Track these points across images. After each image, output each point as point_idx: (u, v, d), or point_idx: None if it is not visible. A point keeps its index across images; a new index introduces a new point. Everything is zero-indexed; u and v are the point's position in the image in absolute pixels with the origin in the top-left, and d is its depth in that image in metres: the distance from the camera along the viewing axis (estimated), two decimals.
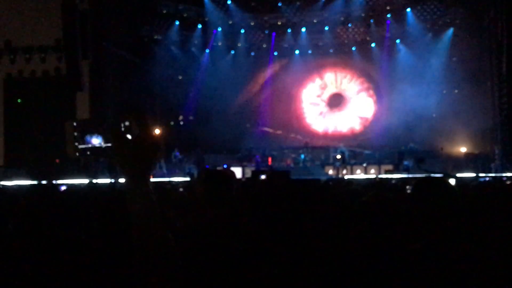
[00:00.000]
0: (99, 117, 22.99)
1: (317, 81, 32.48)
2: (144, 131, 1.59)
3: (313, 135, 31.18)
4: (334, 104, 32.38)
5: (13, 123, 25.94)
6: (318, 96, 32.49)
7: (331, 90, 32.46)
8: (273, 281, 2.28)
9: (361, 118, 31.60)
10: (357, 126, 31.70)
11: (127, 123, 1.60)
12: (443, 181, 2.93)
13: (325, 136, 31.40)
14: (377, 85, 30.85)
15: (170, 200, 5.07)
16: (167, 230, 1.59)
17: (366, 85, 31.69)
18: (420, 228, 2.70)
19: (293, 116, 32.18)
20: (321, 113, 32.35)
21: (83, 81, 24.04)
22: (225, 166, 22.23)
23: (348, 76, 32.12)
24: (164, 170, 25.13)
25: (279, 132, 30.13)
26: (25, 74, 26.73)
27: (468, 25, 27.64)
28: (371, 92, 31.46)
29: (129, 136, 1.59)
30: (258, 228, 2.42)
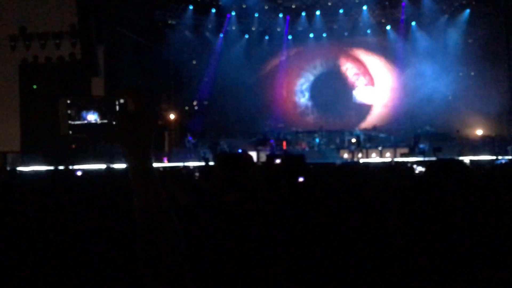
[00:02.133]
0: None
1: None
2: (141, 107, 1.58)
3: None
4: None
5: (29, 109, 26.10)
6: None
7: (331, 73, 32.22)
8: (290, 268, 2.29)
9: (372, 102, 31.35)
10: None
11: (121, 101, 1.59)
12: (459, 162, 2.92)
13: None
14: (393, 68, 30.57)
15: (186, 185, 5.08)
16: (172, 210, 1.58)
17: (377, 68, 31.41)
18: (434, 212, 2.69)
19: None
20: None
21: (98, 66, 24.14)
22: (239, 151, 22.24)
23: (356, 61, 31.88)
24: (192, 141, 25.34)
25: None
26: (40, 60, 26.82)
27: (484, 6, 27.32)
28: (385, 75, 31.19)
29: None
30: (276, 213, 2.42)
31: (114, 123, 1.61)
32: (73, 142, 23.67)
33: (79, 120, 1.63)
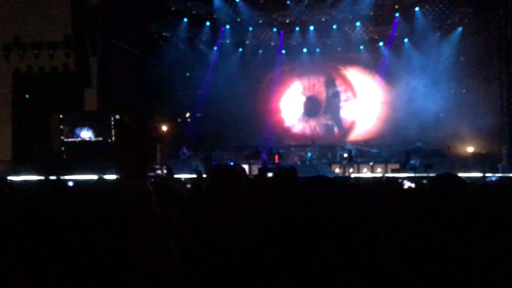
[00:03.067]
0: None
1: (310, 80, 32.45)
2: (139, 125, 1.54)
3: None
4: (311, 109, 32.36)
5: (21, 118, 25.99)
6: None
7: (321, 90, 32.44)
8: (280, 279, 2.30)
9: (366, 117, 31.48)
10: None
11: (117, 117, 1.55)
12: (457, 178, 2.97)
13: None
14: (385, 84, 30.70)
15: (177, 198, 5.10)
16: (168, 233, 1.54)
17: (370, 83, 31.58)
18: (434, 224, 2.72)
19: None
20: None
21: (91, 77, 24.13)
22: (232, 163, 22.23)
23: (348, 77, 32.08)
24: (187, 153, 25.31)
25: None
26: (34, 70, 26.76)
27: (476, 24, 27.55)
28: (379, 91, 31.31)
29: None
30: (266, 225, 2.44)
31: (110, 140, 1.58)
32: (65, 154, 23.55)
33: (72, 137, 1.60)
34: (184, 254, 1.63)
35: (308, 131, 32.06)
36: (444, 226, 2.69)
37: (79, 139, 1.56)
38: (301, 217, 2.38)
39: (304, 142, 29.80)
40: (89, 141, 1.58)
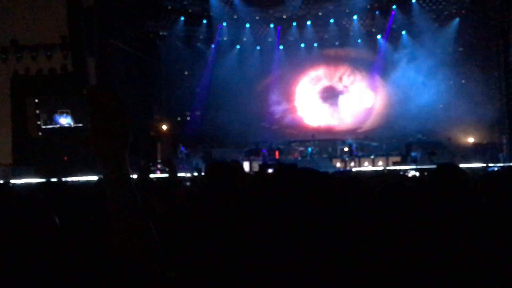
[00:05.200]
0: None
1: (311, 74, 32.40)
2: (117, 107, 1.47)
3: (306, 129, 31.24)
4: (327, 97, 32.34)
5: (21, 121, 26.00)
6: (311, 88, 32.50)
7: (324, 83, 32.40)
8: (276, 278, 2.28)
9: (364, 110, 31.44)
10: (348, 120, 31.64)
11: (95, 100, 1.47)
12: (457, 168, 2.96)
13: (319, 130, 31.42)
14: (382, 77, 30.67)
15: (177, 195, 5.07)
16: (148, 218, 1.50)
17: (369, 77, 31.55)
18: (434, 216, 2.71)
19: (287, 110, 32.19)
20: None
21: (89, 77, 24.09)
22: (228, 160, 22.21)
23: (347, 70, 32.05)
24: (184, 151, 25.35)
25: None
26: (32, 72, 26.77)
27: (474, 15, 27.53)
28: (376, 83, 31.29)
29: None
30: (262, 221, 2.42)
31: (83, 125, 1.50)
32: (65, 154, 23.59)
33: (51, 124, 1.53)
34: (166, 240, 1.60)
35: (320, 120, 32.08)
36: (443, 216, 2.67)
37: (58, 125, 1.48)
38: (297, 212, 2.36)
39: (305, 137, 29.76)
40: (69, 127, 1.51)
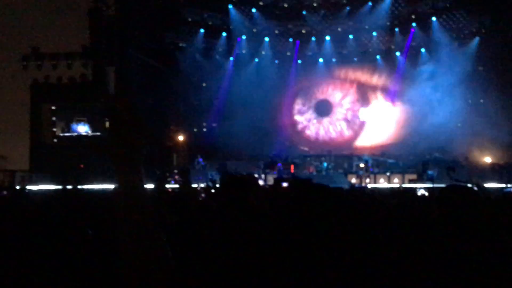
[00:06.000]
0: None
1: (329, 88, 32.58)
2: (132, 115, 1.50)
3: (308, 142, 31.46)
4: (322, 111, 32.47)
5: (39, 128, 26.20)
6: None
7: (340, 98, 32.51)
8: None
9: (382, 126, 31.37)
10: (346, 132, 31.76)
11: (112, 108, 1.50)
12: (469, 189, 2.94)
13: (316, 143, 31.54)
14: (400, 94, 30.57)
15: (192, 206, 5.09)
16: (161, 231, 1.50)
17: (386, 93, 31.55)
18: (443, 234, 2.70)
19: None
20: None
21: (108, 87, 24.32)
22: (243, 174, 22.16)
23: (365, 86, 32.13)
24: (202, 163, 25.42)
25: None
26: (51, 80, 27.04)
27: (494, 34, 27.40)
28: (393, 100, 31.22)
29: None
30: (275, 235, 2.43)
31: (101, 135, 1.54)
32: (81, 162, 23.76)
33: (68, 131, 1.56)
34: (177, 249, 1.60)
35: (321, 132, 32.18)
36: (449, 235, 2.66)
37: (76, 133, 1.52)
38: (306, 225, 2.37)
39: (319, 150, 29.78)
40: (86, 136, 1.55)
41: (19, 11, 27.40)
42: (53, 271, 3.07)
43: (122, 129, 1.49)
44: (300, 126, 32.69)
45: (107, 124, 1.51)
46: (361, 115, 32.04)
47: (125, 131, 1.49)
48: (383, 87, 31.49)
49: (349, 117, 32.20)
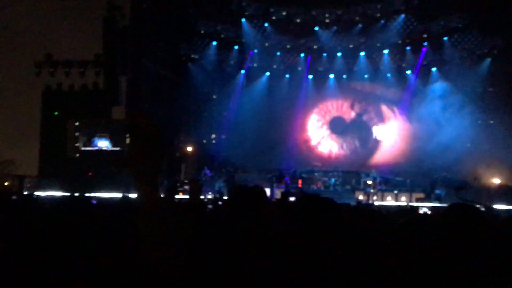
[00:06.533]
0: None
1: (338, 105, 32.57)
2: (153, 132, 1.57)
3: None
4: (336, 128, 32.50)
5: (49, 135, 26.31)
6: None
7: (351, 115, 32.51)
8: None
9: (391, 144, 31.29)
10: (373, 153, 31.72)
11: (133, 125, 1.58)
12: (476, 209, 2.94)
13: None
14: (410, 112, 30.52)
15: (199, 218, 5.12)
16: (181, 246, 1.57)
17: (396, 111, 31.50)
18: (448, 254, 2.71)
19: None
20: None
21: (120, 96, 24.46)
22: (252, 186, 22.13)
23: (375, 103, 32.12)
24: (209, 174, 25.41)
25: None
26: (64, 87, 27.19)
27: (506, 56, 27.36)
28: (403, 118, 31.16)
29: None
30: (284, 248, 2.46)
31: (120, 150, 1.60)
32: (89, 169, 23.83)
33: (90, 146, 1.64)
34: (193, 258, 1.64)
35: (334, 149, 32.12)
36: (453, 254, 2.68)
37: (96, 148, 1.60)
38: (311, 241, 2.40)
39: (329, 165, 29.77)
40: (106, 150, 1.62)
41: (34, 17, 27.67)
42: (60, 276, 3.10)
43: (144, 145, 1.56)
44: (313, 142, 32.63)
45: (128, 140, 1.57)
46: (375, 132, 31.97)
47: (146, 147, 1.56)
48: (396, 104, 31.43)
49: (363, 134, 32.11)
